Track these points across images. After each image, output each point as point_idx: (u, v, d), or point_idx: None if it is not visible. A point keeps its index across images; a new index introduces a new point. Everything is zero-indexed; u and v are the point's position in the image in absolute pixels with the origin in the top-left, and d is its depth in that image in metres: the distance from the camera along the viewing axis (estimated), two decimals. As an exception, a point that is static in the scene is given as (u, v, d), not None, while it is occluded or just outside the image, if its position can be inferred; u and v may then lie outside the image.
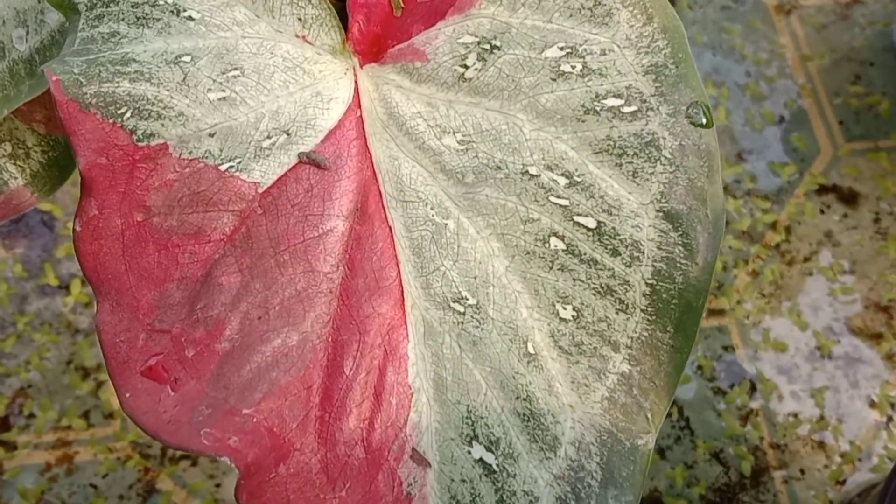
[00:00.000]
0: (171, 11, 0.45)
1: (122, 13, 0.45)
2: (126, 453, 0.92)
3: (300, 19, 0.46)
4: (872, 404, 0.99)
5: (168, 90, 0.44)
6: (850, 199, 1.09)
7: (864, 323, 1.03)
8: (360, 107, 0.47)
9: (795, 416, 0.98)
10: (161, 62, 0.44)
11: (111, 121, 0.43)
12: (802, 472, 0.96)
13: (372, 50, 0.47)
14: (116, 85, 0.43)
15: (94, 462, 0.92)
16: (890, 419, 0.98)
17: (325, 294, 0.43)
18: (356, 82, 0.47)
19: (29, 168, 0.58)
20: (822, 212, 1.08)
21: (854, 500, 0.89)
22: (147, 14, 0.45)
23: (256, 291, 0.43)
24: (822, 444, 0.97)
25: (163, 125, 0.44)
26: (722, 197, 0.43)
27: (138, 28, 0.45)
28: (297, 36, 0.47)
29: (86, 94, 0.42)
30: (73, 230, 0.44)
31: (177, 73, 0.44)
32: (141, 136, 0.44)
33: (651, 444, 0.42)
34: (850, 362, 1.01)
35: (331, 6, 0.47)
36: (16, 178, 0.58)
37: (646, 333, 0.42)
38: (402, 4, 0.46)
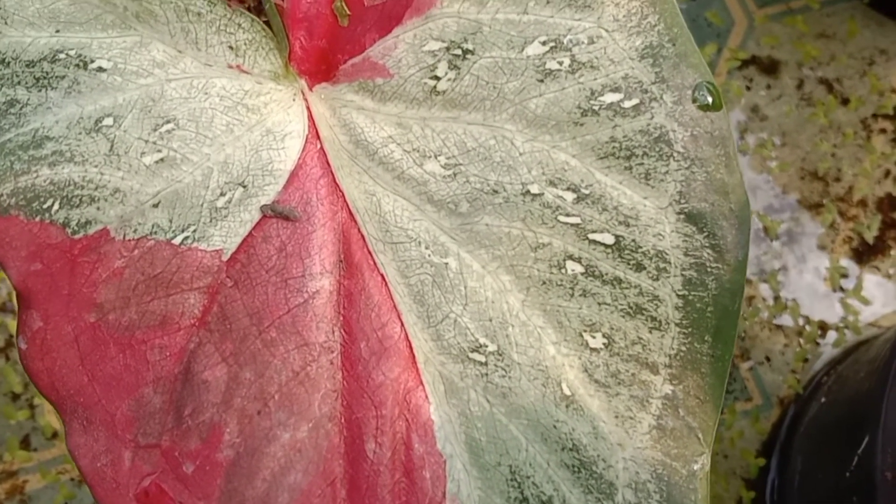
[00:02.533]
0: (77, 65, 0.38)
1: (17, 76, 0.37)
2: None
3: (231, 47, 0.39)
4: (823, 278, 0.99)
5: (95, 166, 0.37)
6: (771, 68, 1.06)
7: (803, 195, 1.02)
8: (319, 138, 0.40)
9: (751, 302, 0.98)
10: (80, 132, 0.37)
11: (37, 219, 0.36)
12: (768, 358, 0.96)
13: (320, 68, 0.41)
14: (35, 175, 0.36)
15: (48, 489, 0.86)
16: (842, 289, 0.99)
17: (326, 368, 0.38)
18: (308, 108, 0.41)
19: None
20: (747, 88, 1.05)
21: (822, 380, 0.91)
22: (47, 73, 0.37)
23: (249, 382, 0.38)
24: (781, 327, 0.97)
25: (98, 208, 0.37)
26: (743, 186, 0.39)
27: (40, 91, 0.37)
28: (231, 66, 0.39)
29: (1, 195, 0.35)
30: (18, 348, 0.37)
31: (101, 142, 0.37)
32: (76, 228, 0.37)
33: (707, 466, 0.39)
34: (795, 238, 1.01)
35: (265, 27, 0.40)
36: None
37: (684, 348, 0.38)
38: (348, 11, 0.40)
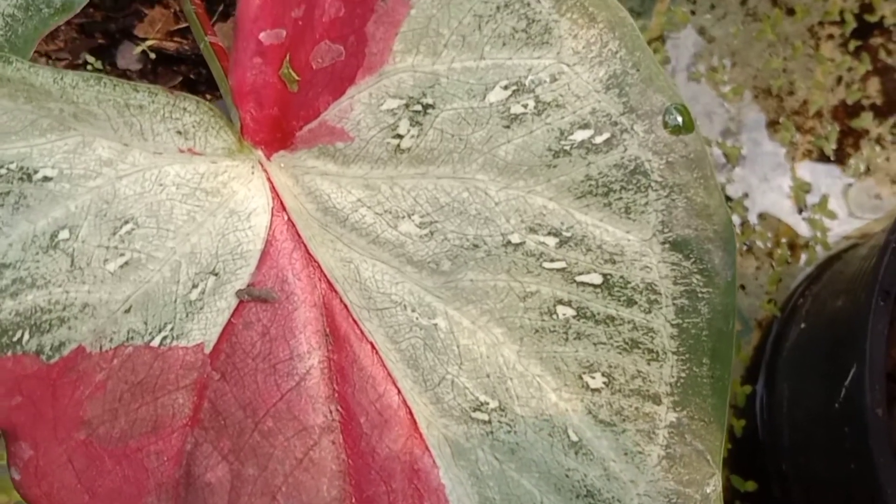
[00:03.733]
0: (21, 178, 0.35)
1: (-42, 198, 0.35)
2: None
3: (180, 132, 0.37)
4: (787, 196, 0.99)
5: (59, 286, 0.35)
6: (712, -13, 1.04)
7: (759, 115, 1.02)
8: (285, 209, 0.39)
9: (720, 230, 0.98)
10: (37, 252, 0.35)
11: (10, 353, 0.34)
12: (742, 285, 0.97)
13: (275, 136, 0.39)
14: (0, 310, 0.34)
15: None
16: (807, 206, 0.99)
17: (329, 450, 0.38)
18: (269, 180, 0.39)
19: None
20: (692, 13, 1.03)
21: (798, 302, 0.92)
22: (-10, 191, 0.35)
23: (253, 478, 0.37)
24: (752, 251, 0.98)
25: (69, 328, 0.35)
26: (725, 205, 0.38)
27: (-14, 211, 0.35)
28: (182, 150, 0.38)
29: (-33, 341, 0.33)
30: (12, 479, 0.36)
31: (61, 259, 0.35)
32: (50, 353, 0.35)
33: (719, 486, 0.39)
34: (755, 159, 1.00)
35: (211, 106, 0.38)
36: None
37: (683, 375, 0.38)
38: (297, 76, 0.38)
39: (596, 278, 0.37)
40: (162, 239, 0.37)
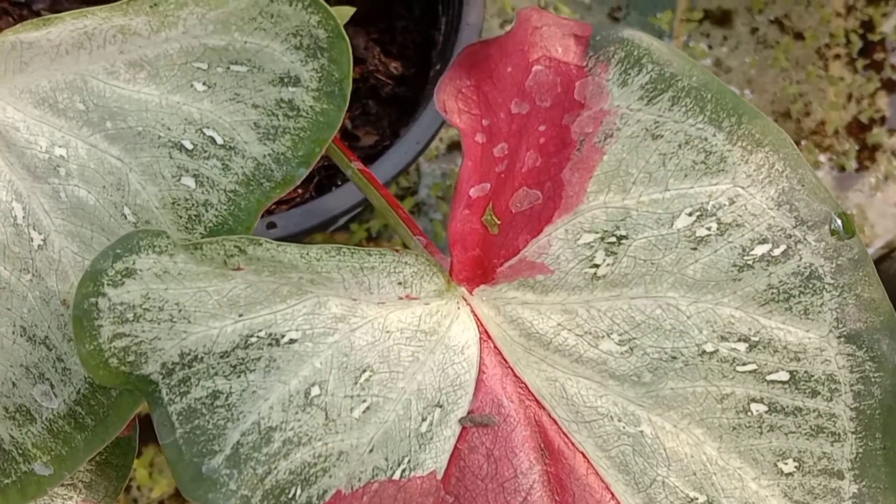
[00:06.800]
0: (269, 343, 0.39)
1: (212, 367, 0.38)
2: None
3: (400, 283, 0.41)
4: (816, 213, 1.05)
5: (319, 439, 0.39)
6: (723, 19, 1.09)
7: (780, 138, 1.07)
8: (490, 338, 0.42)
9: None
10: (296, 411, 0.38)
11: (286, 510, 0.38)
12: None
13: (476, 273, 0.42)
14: (276, 472, 0.37)
15: None
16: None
17: (561, 557, 0.41)
18: (473, 312, 0.42)
19: (80, 482, 0.50)
20: (709, 47, 1.08)
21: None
22: (243, 358, 0.39)
23: (500, 591, 0.40)
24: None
25: (330, 476, 0.39)
26: (887, 297, 0.42)
27: (239, 377, 0.39)
28: (401, 298, 0.41)
29: (257, 505, 0.37)
30: None
31: (317, 414, 0.39)
32: (316, 501, 0.38)
33: (901, 545, 0.43)
34: (782, 181, 1.05)
35: (429, 256, 0.41)
36: (70, 499, 0.50)
37: (861, 450, 0.42)
38: (498, 221, 0.41)
39: (783, 375, 0.42)
40: (394, 381, 0.40)
